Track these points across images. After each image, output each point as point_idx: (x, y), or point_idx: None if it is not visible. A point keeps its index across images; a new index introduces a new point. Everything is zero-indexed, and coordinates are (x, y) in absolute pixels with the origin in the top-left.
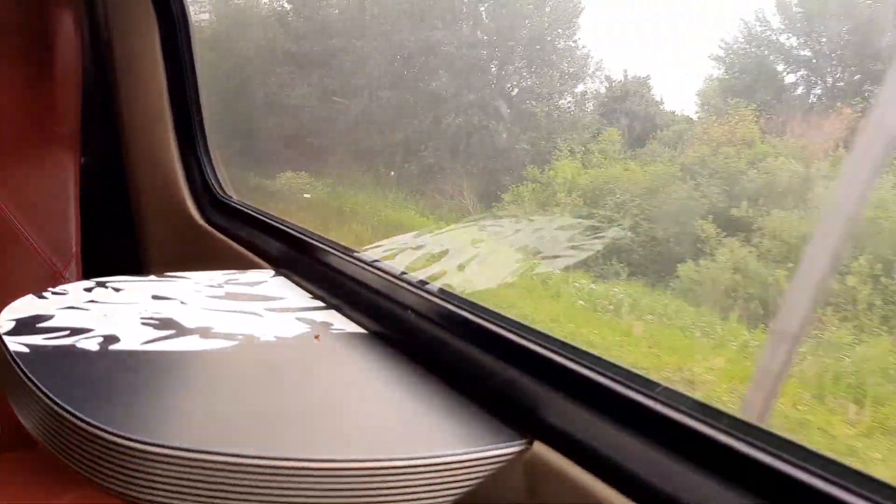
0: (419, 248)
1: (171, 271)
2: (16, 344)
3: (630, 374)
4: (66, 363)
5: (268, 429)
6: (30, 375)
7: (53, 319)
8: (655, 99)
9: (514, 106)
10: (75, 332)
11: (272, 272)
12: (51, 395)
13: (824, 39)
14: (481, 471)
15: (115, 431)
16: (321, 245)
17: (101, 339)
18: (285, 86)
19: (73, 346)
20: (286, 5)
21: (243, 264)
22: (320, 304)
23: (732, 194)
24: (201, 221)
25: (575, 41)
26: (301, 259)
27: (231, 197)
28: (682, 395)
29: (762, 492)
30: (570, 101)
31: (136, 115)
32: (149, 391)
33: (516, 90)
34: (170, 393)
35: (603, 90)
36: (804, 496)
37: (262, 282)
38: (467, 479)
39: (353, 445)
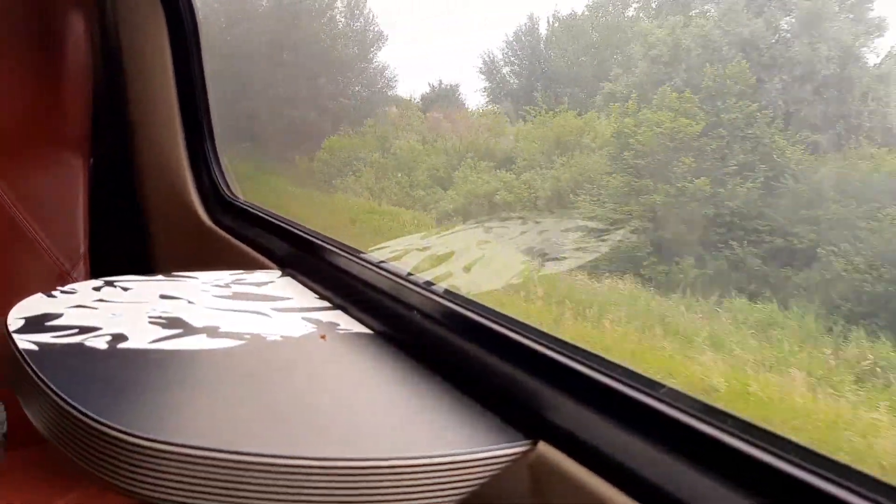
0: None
1: (178, 271)
2: (25, 342)
3: (634, 374)
4: (74, 361)
5: (273, 427)
6: (39, 373)
7: (62, 318)
8: (462, 99)
9: (325, 104)
10: (84, 330)
11: (279, 272)
12: (59, 393)
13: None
14: (486, 471)
15: (122, 429)
16: (328, 246)
17: (109, 338)
18: None
19: (81, 345)
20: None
21: (250, 264)
22: (326, 304)
23: (381, 148)
24: (209, 222)
25: (375, 64)
26: (307, 259)
27: (238, 198)
28: (686, 396)
29: (766, 492)
30: (366, 101)
31: (145, 115)
32: (156, 389)
33: (327, 94)
34: (177, 391)
35: (402, 94)
36: (806, 496)
37: (268, 282)
38: (472, 479)
39: (359, 444)
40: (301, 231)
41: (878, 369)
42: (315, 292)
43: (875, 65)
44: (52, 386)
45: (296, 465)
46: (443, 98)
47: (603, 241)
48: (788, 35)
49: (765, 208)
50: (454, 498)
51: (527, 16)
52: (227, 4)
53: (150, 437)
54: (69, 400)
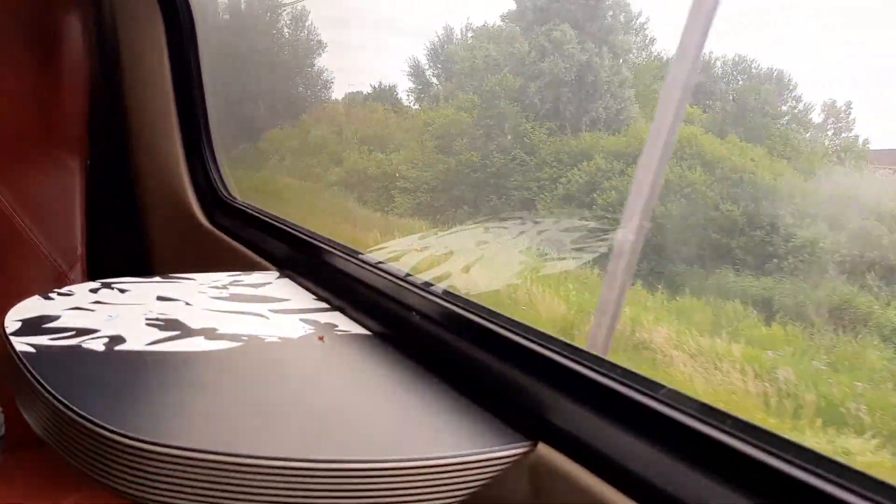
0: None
1: (176, 272)
2: (22, 344)
3: (634, 375)
4: (72, 363)
5: (271, 429)
6: (36, 375)
7: (59, 320)
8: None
9: (271, 103)
10: (81, 332)
11: (276, 273)
12: (57, 395)
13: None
14: (486, 472)
15: (120, 431)
16: (325, 246)
17: (106, 340)
18: None
19: (79, 347)
20: None
21: (248, 265)
22: (324, 305)
23: (303, 138)
24: (206, 223)
25: (316, 67)
26: (305, 260)
27: (235, 199)
28: (685, 397)
29: (765, 493)
30: (304, 100)
31: (143, 117)
32: (154, 392)
33: (274, 94)
34: (175, 393)
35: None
36: (806, 497)
37: (266, 283)
38: (472, 481)
39: (357, 446)
40: (299, 232)
41: None
42: (313, 293)
43: (615, 72)
44: (49, 388)
45: (294, 467)
46: (381, 97)
47: (409, 194)
48: (542, 53)
49: (512, 173)
50: (454, 499)
51: (443, 27)
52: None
53: (148, 439)
54: (67, 402)
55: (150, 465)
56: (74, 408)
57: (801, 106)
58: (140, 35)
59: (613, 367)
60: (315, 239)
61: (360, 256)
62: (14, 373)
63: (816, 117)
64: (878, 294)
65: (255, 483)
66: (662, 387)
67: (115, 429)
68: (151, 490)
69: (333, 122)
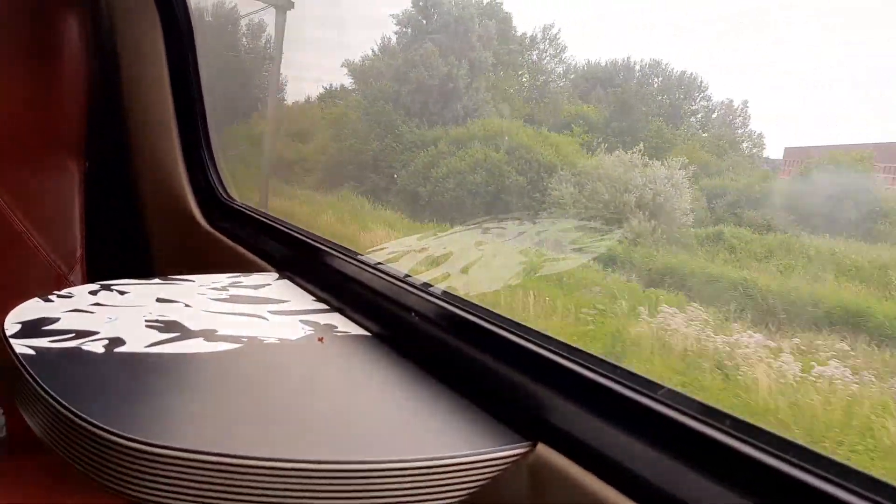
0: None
1: (175, 274)
2: (22, 346)
3: (633, 376)
4: (71, 365)
5: (271, 430)
6: (36, 378)
7: (59, 322)
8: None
9: (229, 104)
10: (81, 334)
11: (276, 275)
12: (56, 398)
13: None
14: (485, 473)
15: (120, 433)
16: (324, 248)
17: (106, 342)
18: None
19: (78, 349)
20: None
21: (247, 267)
22: (324, 306)
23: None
24: (205, 224)
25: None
26: (304, 261)
27: (234, 200)
28: (684, 398)
29: (764, 493)
30: (259, 101)
31: (141, 119)
32: (154, 393)
33: (234, 96)
34: (175, 395)
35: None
36: (805, 497)
37: (265, 284)
38: (471, 481)
39: (357, 447)
40: (298, 233)
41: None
42: (312, 294)
43: (473, 80)
44: (49, 391)
45: (293, 468)
46: (332, 97)
47: (311, 173)
48: (411, 66)
49: (388, 157)
50: (454, 500)
51: (381, 36)
52: None
53: (148, 440)
54: (66, 404)
55: (150, 467)
56: (74, 410)
57: (710, 104)
58: (138, 37)
59: (613, 367)
60: (314, 240)
61: (359, 258)
62: (14, 375)
63: (717, 115)
64: (601, 232)
65: (254, 484)
66: (661, 387)
67: (115, 430)
68: (152, 491)
69: (275, 119)
